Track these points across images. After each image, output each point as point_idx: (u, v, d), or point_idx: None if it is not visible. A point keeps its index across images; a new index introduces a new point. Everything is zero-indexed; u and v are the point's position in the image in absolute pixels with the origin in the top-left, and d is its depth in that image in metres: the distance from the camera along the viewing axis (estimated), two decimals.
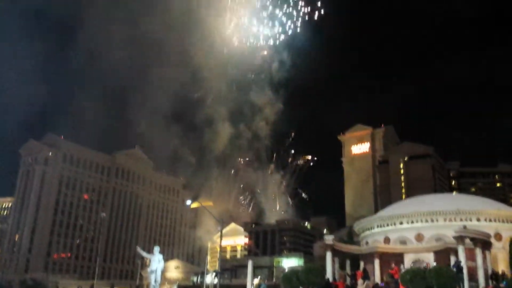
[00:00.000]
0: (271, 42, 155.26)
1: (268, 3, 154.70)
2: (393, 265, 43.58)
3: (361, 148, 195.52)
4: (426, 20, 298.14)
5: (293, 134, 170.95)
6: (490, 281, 42.69)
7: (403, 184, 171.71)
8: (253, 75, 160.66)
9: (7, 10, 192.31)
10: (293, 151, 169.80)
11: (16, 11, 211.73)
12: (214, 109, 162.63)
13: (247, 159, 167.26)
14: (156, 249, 50.77)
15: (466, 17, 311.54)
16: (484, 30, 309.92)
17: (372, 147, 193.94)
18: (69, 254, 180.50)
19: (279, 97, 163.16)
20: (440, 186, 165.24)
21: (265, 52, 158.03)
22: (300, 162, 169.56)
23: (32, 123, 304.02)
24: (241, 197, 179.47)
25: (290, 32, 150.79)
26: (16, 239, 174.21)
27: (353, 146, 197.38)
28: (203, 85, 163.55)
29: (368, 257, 50.49)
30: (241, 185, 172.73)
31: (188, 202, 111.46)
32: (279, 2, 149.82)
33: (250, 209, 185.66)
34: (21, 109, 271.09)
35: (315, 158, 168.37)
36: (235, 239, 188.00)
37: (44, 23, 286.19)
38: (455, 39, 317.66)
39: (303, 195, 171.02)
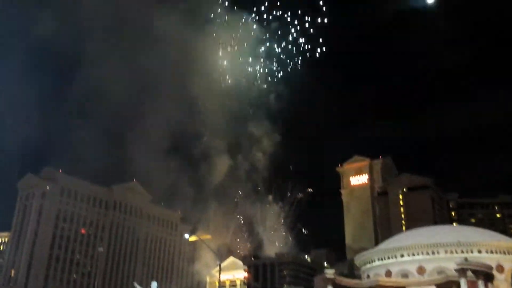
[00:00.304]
0: (269, 78, 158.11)
1: (265, 37, 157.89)
2: None
3: (359, 180, 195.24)
4: (425, 61, 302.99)
5: (291, 167, 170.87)
6: None
7: (403, 216, 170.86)
8: (250, 109, 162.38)
9: (7, 45, 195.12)
10: (291, 183, 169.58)
11: (16, 47, 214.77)
12: (212, 142, 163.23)
13: (240, 192, 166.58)
14: (154, 284, 50.26)
15: (461, 63, 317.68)
16: (480, 73, 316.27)
17: (371, 178, 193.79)
18: None
19: (276, 128, 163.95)
20: (440, 217, 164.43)
21: (264, 86, 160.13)
22: (299, 195, 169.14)
23: (30, 157, 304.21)
24: (239, 230, 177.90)
25: (289, 69, 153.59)
26: (12, 274, 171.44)
27: (351, 177, 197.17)
28: (201, 117, 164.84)
29: None
30: (239, 217, 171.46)
31: (186, 236, 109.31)
32: (276, 37, 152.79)
33: (248, 242, 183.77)
34: (19, 143, 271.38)
35: (310, 190, 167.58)
36: (234, 273, 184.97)
37: (44, 59, 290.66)
38: (452, 81, 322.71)
39: (303, 230, 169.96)
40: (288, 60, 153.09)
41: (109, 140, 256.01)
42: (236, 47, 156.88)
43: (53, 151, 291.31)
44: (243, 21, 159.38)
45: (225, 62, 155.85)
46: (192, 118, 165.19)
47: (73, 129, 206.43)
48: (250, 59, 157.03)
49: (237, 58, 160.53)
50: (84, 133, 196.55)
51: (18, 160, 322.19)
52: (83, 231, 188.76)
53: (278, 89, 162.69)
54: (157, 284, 53.95)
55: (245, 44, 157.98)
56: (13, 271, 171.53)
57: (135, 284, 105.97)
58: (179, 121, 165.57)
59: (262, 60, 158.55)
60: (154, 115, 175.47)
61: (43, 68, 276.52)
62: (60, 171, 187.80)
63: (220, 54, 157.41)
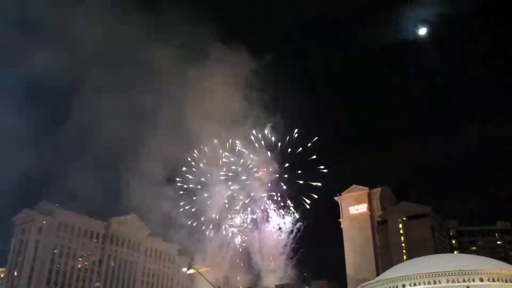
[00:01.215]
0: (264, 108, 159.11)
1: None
2: None
3: (358, 209, 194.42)
4: (422, 87, 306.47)
5: (288, 201, 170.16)
6: None
7: (403, 244, 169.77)
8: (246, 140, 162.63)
9: (1, 78, 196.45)
10: (290, 211, 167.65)
11: (8, 81, 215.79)
12: (208, 172, 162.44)
13: (238, 222, 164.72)
14: None
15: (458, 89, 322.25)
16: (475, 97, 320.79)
17: (370, 207, 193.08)
18: None
19: (274, 156, 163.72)
20: (441, 245, 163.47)
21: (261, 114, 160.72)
22: (298, 224, 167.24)
23: (25, 191, 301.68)
24: (237, 260, 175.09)
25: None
26: None
27: (350, 206, 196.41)
28: (197, 148, 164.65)
29: None
30: (238, 247, 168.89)
31: (184, 269, 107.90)
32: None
33: (246, 273, 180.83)
34: (14, 178, 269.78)
35: (303, 223, 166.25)
36: None
37: (40, 92, 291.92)
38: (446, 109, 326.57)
39: (301, 254, 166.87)
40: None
41: (104, 172, 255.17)
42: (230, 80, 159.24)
43: (48, 185, 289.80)
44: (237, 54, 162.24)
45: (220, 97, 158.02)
46: (189, 148, 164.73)
47: (68, 163, 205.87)
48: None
49: (232, 89, 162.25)
50: (80, 166, 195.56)
51: (12, 194, 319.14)
52: (79, 265, 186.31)
53: (275, 120, 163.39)
54: None
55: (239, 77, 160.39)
56: None
57: None
58: (175, 152, 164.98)
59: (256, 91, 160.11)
60: (149, 147, 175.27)
61: (38, 102, 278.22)
62: (57, 205, 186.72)
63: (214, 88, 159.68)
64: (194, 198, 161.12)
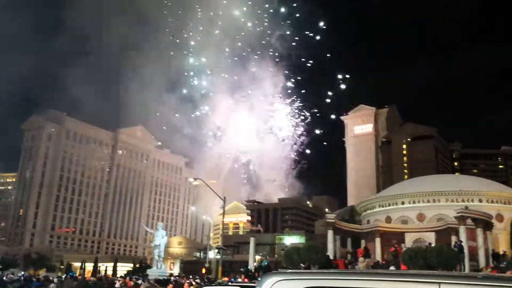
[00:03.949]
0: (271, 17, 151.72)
1: None
2: (395, 244, 43.92)
3: (364, 129, 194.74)
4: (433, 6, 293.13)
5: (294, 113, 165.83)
6: (491, 261, 43.07)
7: (405, 165, 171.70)
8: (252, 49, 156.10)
9: None
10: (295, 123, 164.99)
11: None
12: (211, 81, 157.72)
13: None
14: (160, 225, 51.56)
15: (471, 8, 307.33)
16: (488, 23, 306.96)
17: (375, 127, 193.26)
18: (73, 229, 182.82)
19: (280, 68, 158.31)
20: (443, 167, 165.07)
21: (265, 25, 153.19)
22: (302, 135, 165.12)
23: (27, 100, 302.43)
24: (240, 173, 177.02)
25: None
26: (20, 213, 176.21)
27: (356, 126, 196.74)
28: (200, 56, 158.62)
29: (369, 235, 50.92)
30: (240, 160, 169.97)
31: (191, 179, 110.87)
32: None
33: (249, 186, 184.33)
34: (14, 86, 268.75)
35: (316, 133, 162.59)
36: (237, 217, 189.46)
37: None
38: (458, 27, 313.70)
39: (305, 165, 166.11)
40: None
41: (106, 81, 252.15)
42: None
43: (51, 94, 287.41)
44: None
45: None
46: (191, 56, 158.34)
47: (69, 70, 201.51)
48: None
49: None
50: (81, 73, 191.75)
51: (15, 103, 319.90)
52: (89, 173, 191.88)
53: (282, 30, 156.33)
54: (163, 225, 55.14)
55: None
56: (21, 211, 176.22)
57: (142, 224, 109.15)
58: (178, 60, 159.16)
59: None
60: (151, 53, 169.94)
61: (34, 8, 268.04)
62: (65, 113, 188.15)
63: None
64: (197, 109, 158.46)
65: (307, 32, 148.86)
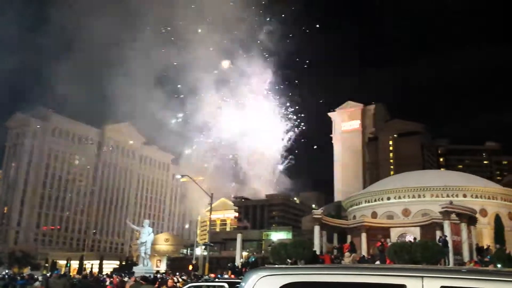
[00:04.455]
0: (260, 11, 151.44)
1: None
2: (381, 238, 44.27)
3: (351, 125, 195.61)
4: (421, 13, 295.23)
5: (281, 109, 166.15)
6: (474, 255, 43.66)
7: (391, 161, 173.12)
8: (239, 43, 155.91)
9: None
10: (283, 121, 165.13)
11: None
12: (199, 77, 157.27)
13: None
14: (146, 222, 51.25)
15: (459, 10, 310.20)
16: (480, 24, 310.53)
17: (363, 124, 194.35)
18: (58, 227, 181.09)
19: (268, 64, 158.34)
20: (429, 163, 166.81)
21: (256, 19, 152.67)
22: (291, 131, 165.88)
23: (18, 96, 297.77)
24: (227, 168, 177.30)
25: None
26: (5, 211, 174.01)
27: (343, 122, 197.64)
28: (187, 51, 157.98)
29: (355, 230, 51.30)
30: (227, 155, 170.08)
31: (178, 176, 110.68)
32: None
33: (236, 182, 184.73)
34: (5, 82, 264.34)
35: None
36: (225, 213, 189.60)
37: None
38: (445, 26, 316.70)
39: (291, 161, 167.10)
40: None
41: (92, 78, 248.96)
42: None
43: (36, 91, 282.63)
44: None
45: None
46: (179, 52, 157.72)
47: (54, 67, 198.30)
48: None
49: None
50: (67, 69, 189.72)
51: (1, 98, 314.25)
52: (75, 170, 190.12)
53: (270, 26, 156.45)
54: (149, 222, 54.79)
55: None
56: (6, 209, 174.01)
57: (128, 222, 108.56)
58: (164, 56, 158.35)
59: None
60: (137, 49, 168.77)
61: (16, 4, 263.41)
62: (50, 110, 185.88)
63: None
64: (185, 104, 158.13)
65: (298, 28, 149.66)
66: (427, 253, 33.82)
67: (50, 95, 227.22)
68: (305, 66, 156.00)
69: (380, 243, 40.89)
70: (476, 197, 61.39)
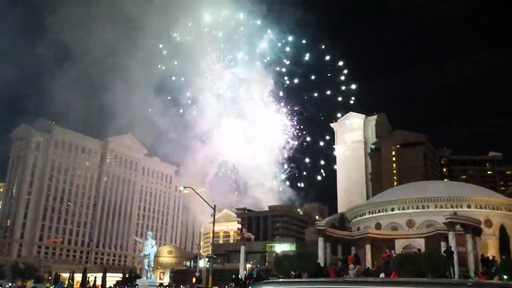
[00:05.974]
0: (258, 22, 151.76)
1: None
2: (386, 250, 43.98)
3: (353, 136, 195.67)
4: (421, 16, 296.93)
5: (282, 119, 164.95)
6: (480, 266, 43.27)
7: (394, 171, 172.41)
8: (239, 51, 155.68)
9: None
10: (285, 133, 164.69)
11: None
12: (199, 85, 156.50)
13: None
14: (149, 234, 51.04)
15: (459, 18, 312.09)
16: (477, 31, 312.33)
17: (365, 134, 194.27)
18: (61, 239, 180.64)
19: (269, 73, 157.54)
20: (432, 173, 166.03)
21: (258, 22, 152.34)
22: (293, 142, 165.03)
23: (21, 108, 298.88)
24: (231, 177, 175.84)
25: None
26: (8, 223, 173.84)
27: (345, 133, 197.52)
28: (187, 59, 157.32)
29: (360, 242, 50.93)
30: (232, 166, 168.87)
31: (181, 188, 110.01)
32: None
33: (237, 192, 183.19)
34: (8, 94, 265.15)
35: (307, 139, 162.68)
36: (228, 225, 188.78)
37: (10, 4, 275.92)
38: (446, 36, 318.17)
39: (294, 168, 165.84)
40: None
41: (96, 88, 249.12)
42: None
43: (38, 102, 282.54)
44: None
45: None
46: (179, 60, 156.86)
47: (57, 77, 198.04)
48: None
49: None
50: (69, 81, 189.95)
51: (5, 110, 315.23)
52: (78, 182, 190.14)
53: (273, 34, 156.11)
54: (152, 234, 54.60)
55: None
56: (9, 221, 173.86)
57: (134, 236, 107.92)
58: (165, 64, 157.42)
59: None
60: (138, 59, 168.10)
61: (12, 14, 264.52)
62: (54, 122, 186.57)
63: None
64: (183, 112, 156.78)
65: (299, 38, 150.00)
66: (432, 265, 33.56)
67: (51, 106, 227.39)
68: (307, 76, 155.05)
69: (386, 254, 40.64)
70: (481, 207, 61.03)
